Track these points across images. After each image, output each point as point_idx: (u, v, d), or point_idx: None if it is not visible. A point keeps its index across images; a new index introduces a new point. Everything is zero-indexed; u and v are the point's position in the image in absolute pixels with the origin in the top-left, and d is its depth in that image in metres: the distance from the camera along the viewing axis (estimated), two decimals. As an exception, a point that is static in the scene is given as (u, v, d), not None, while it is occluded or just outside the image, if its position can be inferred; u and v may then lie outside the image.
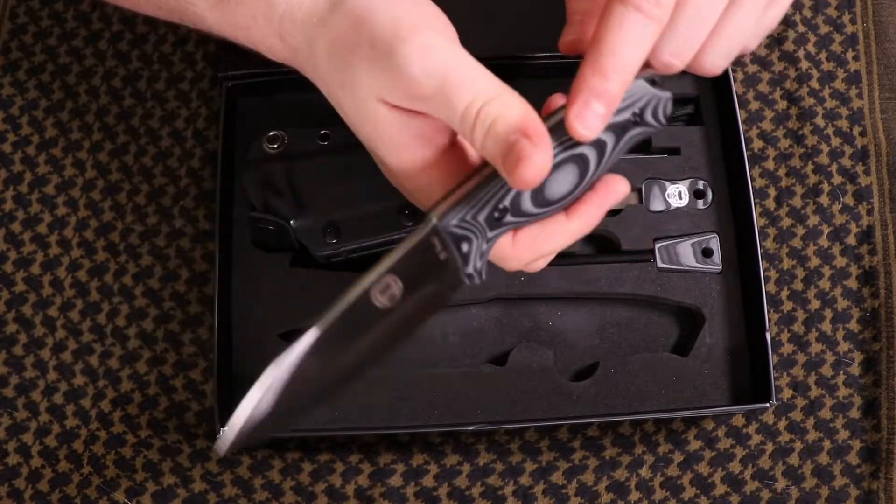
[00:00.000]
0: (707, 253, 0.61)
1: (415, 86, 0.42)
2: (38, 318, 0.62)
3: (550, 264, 0.59)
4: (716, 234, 0.61)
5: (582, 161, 0.44)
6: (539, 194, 0.44)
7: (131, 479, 0.59)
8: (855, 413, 0.60)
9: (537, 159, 0.41)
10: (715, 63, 0.47)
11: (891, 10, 0.68)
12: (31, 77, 0.67)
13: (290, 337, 0.59)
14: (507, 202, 0.44)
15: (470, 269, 0.45)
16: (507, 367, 0.59)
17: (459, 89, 0.42)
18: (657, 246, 0.60)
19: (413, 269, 0.45)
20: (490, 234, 0.45)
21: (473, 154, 0.48)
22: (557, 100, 0.47)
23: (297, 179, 0.57)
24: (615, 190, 0.46)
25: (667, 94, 0.45)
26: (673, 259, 0.60)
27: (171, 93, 0.67)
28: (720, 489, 0.59)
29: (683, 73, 0.63)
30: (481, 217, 0.44)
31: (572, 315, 0.61)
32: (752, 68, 0.67)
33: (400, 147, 0.46)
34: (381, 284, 0.45)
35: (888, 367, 0.61)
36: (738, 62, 0.67)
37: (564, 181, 0.45)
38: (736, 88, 0.63)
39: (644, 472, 0.59)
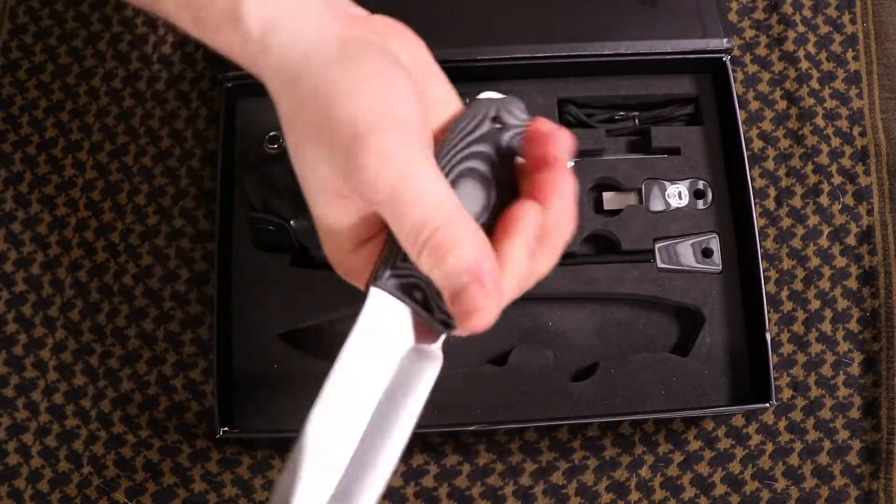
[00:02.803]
0: (707, 253, 0.61)
1: (368, 190, 0.39)
2: (38, 318, 0.62)
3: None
4: (716, 234, 0.61)
5: (481, 175, 0.42)
6: None
7: (131, 479, 0.59)
8: (855, 413, 0.60)
9: (489, 312, 0.38)
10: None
11: (890, 10, 0.68)
12: (31, 77, 0.67)
13: (291, 337, 0.59)
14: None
15: (438, 314, 0.41)
16: (507, 367, 0.59)
17: (410, 206, 0.39)
18: (657, 246, 0.60)
19: (380, 343, 0.41)
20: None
21: None
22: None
23: (297, 179, 0.57)
24: (558, 138, 0.42)
25: (510, 97, 0.44)
26: (673, 259, 0.60)
27: (171, 93, 0.67)
28: (720, 489, 0.59)
29: (683, 72, 0.64)
30: (410, 259, 0.40)
31: (572, 315, 0.61)
32: (752, 68, 0.67)
33: (341, 225, 0.43)
34: (349, 374, 0.41)
35: (888, 367, 0.61)
36: (738, 62, 0.67)
37: (473, 201, 0.42)
38: (736, 88, 0.63)
39: (644, 472, 0.59)
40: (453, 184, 0.42)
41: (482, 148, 0.43)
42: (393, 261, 0.41)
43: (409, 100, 0.41)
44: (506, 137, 0.43)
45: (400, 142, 0.39)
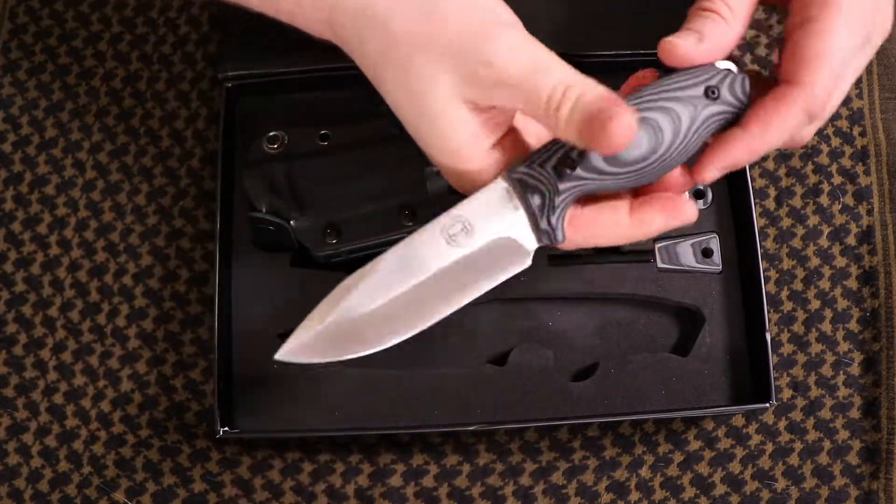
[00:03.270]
0: (707, 253, 0.61)
1: (502, 72, 0.44)
2: (38, 318, 0.62)
3: (550, 264, 0.60)
4: (716, 234, 0.61)
5: (654, 128, 0.45)
6: None
7: (131, 479, 0.59)
8: (855, 413, 0.60)
9: (624, 118, 0.42)
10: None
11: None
12: (31, 77, 0.67)
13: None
14: (575, 154, 0.45)
15: (543, 225, 0.45)
16: (507, 368, 0.59)
17: (546, 74, 0.44)
18: (657, 246, 0.60)
19: (484, 215, 0.45)
20: (561, 187, 0.45)
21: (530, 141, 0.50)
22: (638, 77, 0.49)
23: (297, 179, 0.57)
24: (684, 210, 0.47)
25: (743, 73, 0.46)
26: (673, 259, 0.60)
27: (171, 93, 0.67)
28: (720, 489, 0.59)
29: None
30: (549, 166, 0.45)
31: (572, 315, 0.61)
32: (752, 68, 0.67)
33: (461, 142, 0.46)
34: (451, 226, 0.46)
35: (888, 367, 0.61)
36: (739, 63, 0.67)
37: (635, 143, 0.44)
38: (736, 88, 0.63)
39: (644, 472, 0.59)
40: None
41: (676, 107, 0.45)
42: (521, 164, 0.45)
43: (507, 8, 0.46)
44: (709, 112, 0.45)
45: (521, 34, 0.45)
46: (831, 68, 0.46)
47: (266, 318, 0.59)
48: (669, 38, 0.47)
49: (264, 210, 0.57)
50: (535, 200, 0.45)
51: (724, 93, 0.46)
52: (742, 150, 0.46)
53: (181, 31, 0.68)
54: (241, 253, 0.60)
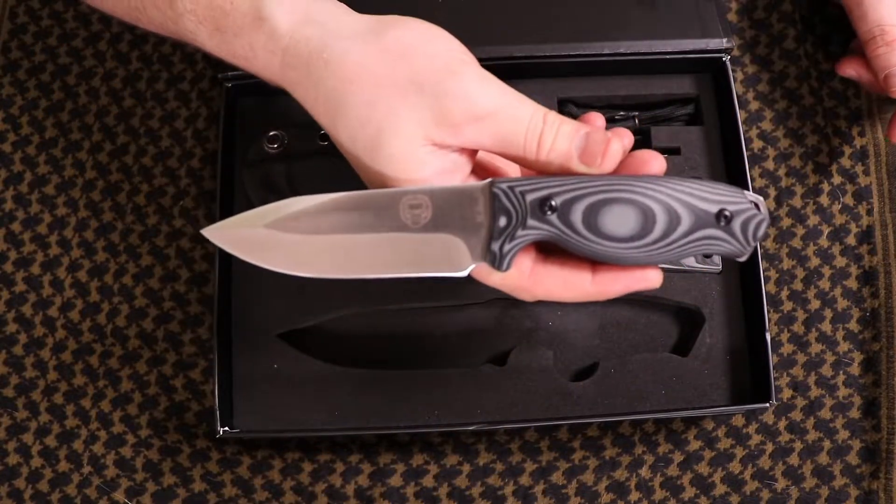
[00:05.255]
0: (707, 253, 0.60)
1: (474, 105, 0.44)
2: (38, 318, 0.62)
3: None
4: (716, 234, 0.61)
5: (645, 214, 0.44)
6: (592, 215, 0.44)
7: (131, 479, 0.59)
8: (855, 413, 0.60)
9: (615, 142, 0.44)
10: None
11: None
12: (31, 77, 0.67)
13: (290, 337, 0.59)
14: (559, 201, 0.44)
15: (495, 247, 0.44)
16: (507, 367, 0.59)
17: (522, 104, 0.45)
18: (657, 246, 0.60)
19: (449, 208, 0.45)
20: (529, 223, 0.44)
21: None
22: (593, 119, 0.48)
23: (297, 179, 0.57)
24: (647, 278, 0.46)
25: (764, 215, 0.45)
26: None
27: (170, 93, 0.67)
28: (720, 489, 0.59)
29: (683, 72, 0.64)
30: (530, 198, 0.44)
31: (572, 315, 0.61)
32: (752, 68, 0.67)
33: (427, 173, 0.46)
34: (414, 199, 0.45)
35: (888, 367, 0.61)
36: (738, 62, 0.67)
37: (620, 220, 0.44)
38: (736, 88, 0.63)
39: (644, 472, 0.59)
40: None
41: (681, 211, 0.44)
42: (508, 181, 0.45)
43: (462, 46, 0.46)
44: (710, 234, 0.44)
45: (482, 70, 0.45)
46: None
47: (266, 318, 0.59)
48: None
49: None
50: (501, 221, 0.44)
51: (736, 224, 0.44)
52: None
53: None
54: (241, 253, 0.60)
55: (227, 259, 0.60)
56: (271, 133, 0.59)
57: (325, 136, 0.59)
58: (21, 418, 0.60)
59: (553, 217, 0.44)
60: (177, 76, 0.67)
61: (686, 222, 0.44)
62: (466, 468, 0.59)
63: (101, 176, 0.65)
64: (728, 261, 0.61)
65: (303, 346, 0.59)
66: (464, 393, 0.59)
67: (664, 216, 0.44)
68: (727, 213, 0.44)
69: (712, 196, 0.44)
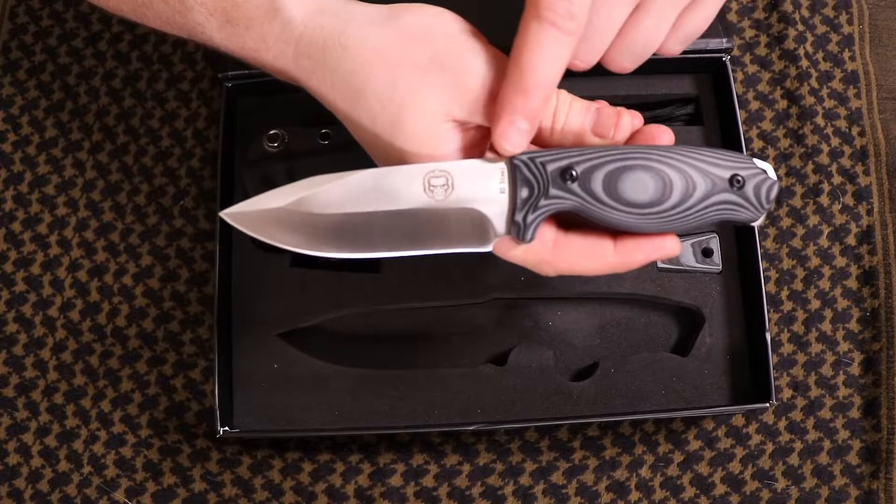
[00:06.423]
0: (707, 253, 0.61)
1: (492, 82, 0.45)
2: (38, 318, 0.62)
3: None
4: (716, 234, 0.61)
5: (665, 183, 0.45)
6: (612, 183, 0.45)
7: (131, 479, 0.59)
8: (855, 413, 0.60)
9: (625, 115, 0.46)
10: (621, 64, 0.49)
11: (888, 13, 0.68)
12: (31, 77, 0.67)
13: (291, 337, 0.59)
14: (579, 170, 0.45)
15: (518, 218, 0.45)
16: (507, 367, 0.59)
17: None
18: (657, 246, 0.60)
19: (471, 182, 0.45)
20: (552, 192, 0.45)
21: None
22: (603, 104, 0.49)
23: (298, 178, 0.57)
24: (665, 246, 0.47)
25: (774, 179, 0.46)
26: (673, 259, 0.60)
27: (171, 93, 0.67)
28: (720, 489, 0.59)
29: (683, 72, 0.64)
30: (550, 168, 0.45)
31: (572, 315, 0.61)
32: (752, 68, 0.67)
33: (448, 149, 0.46)
34: (436, 174, 0.45)
35: (888, 367, 0.61)
36: (738, 62, 0.67)
37: (639, 187, 0.45)
38: (736, 88, 0.63)
39: (644, 471, 0.59)
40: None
41: (696, 176, 0.45)
42: (528, 153, 0.45)
43: (475, 29, 0.47)
44: (725, 198, 0.45)
45: (497, 51, 0.46)
46: None
47: (266, 318, 0.59)
48: None
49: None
50: (523, 192, 0.45)
51: (748, 188, 0.45)
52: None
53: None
54: (241, 253, 0.60)
55: (227, 259, 0.60)
56: (271, 132, 0.58)
57: (326, 135, 0.59)
58: (21, 418, 0.60)
59: (574, 186, 0.45)
60: (177, 76, 0.67)
61: (701, 188, 0.45)
62: (466, 468, 0.59)
63: (101, 176, 0.65)
64: (728, 261, 0.61)
65: (303, 346, 0.59)
66: (464, 393, 0.59)
67: (681, 182, 0.45)
68: (739, 177, 0.45)
69: (724, 162, 0.45)
